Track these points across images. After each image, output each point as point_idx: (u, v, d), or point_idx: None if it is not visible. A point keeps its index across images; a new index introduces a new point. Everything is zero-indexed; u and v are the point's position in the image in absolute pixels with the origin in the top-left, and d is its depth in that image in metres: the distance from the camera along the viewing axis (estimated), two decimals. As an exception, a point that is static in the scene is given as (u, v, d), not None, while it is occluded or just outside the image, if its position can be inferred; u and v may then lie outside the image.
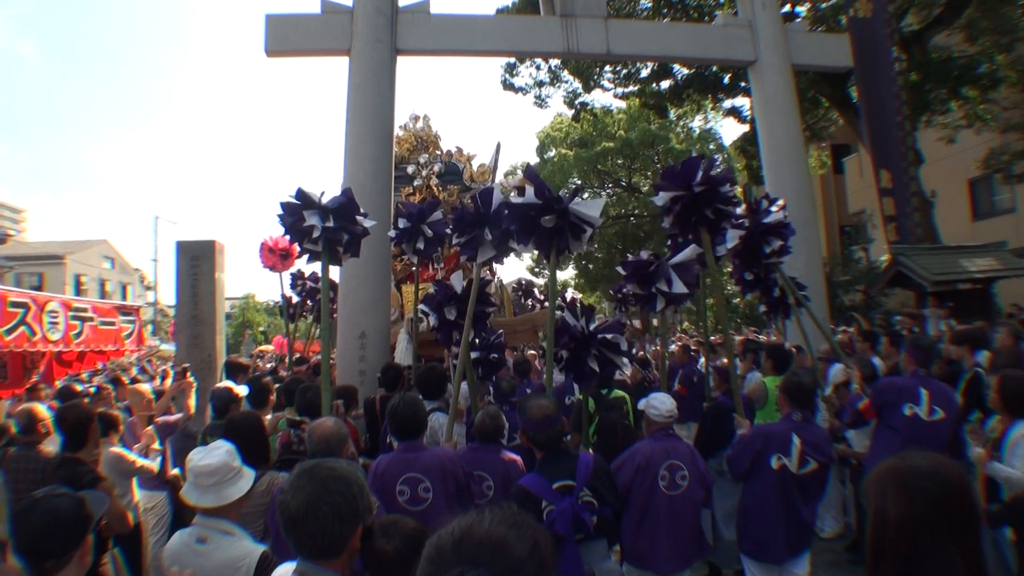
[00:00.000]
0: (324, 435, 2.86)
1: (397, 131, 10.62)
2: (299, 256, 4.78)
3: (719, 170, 4.49)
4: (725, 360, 7.80)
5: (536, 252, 4.39)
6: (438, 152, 11.45)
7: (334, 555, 1.67)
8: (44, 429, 3.93)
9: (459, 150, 11.32)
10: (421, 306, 5.55)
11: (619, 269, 5.06)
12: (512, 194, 4.12)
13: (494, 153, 11.36)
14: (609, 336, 4.16)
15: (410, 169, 10.85)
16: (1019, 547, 3.30)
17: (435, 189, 10.72)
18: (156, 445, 5.20)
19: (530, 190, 3.93)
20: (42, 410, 4.04)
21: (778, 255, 5.53)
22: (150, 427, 5.31)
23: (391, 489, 3.19)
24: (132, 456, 4.64)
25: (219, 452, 2.51)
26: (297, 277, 9.32)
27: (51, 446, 3.97)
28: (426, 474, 3.24)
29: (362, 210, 4.62)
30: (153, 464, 4.93)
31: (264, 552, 2.32)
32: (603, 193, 32.19)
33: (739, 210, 4.76)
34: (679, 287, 4.65)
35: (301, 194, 4.41)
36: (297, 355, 9.63)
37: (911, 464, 1.48)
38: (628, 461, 3.55)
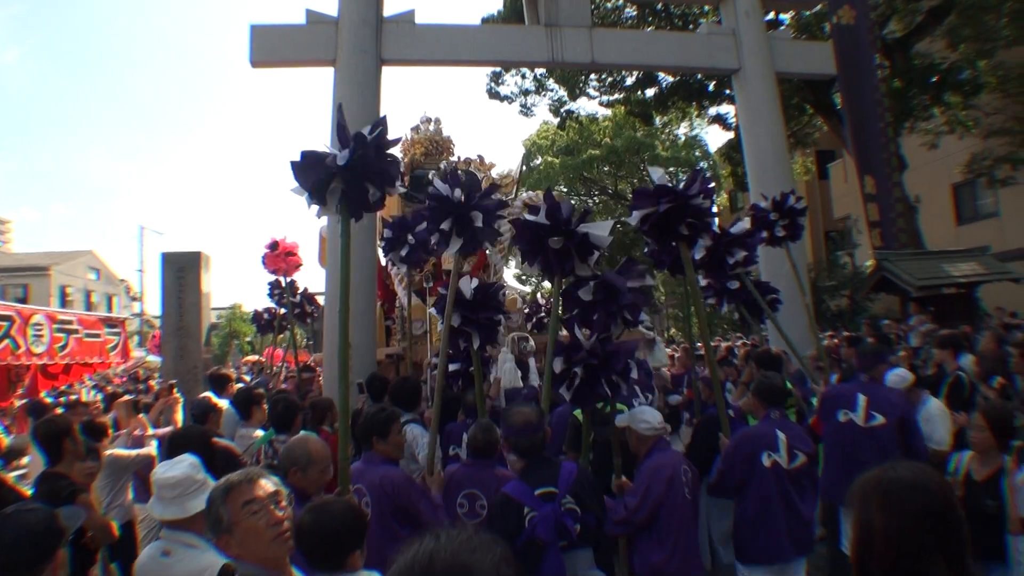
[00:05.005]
0: (304, 450, 2.88)
1: (409, 134, 10.45)
2: (310, 207, 3.27)
3: (695, 187, 4.23)
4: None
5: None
6: (453, 159, 11.07)
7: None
8: None
9: (480, 159, 10.46)
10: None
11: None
12: (524, 213, 3.95)
13: (520, 163, 11.03)
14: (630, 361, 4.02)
15: (431, 175, 10.46)
16: None
17: None
18: (150, 431, 5.17)
19: (543, 211, 3.79)
20: None
21: (743, 265, 5.51)
22: (142, 415, 5.29)
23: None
24: (125, 452, 4.61)
25: (182, 465, 2.50)
26: (275, 286, 8.78)
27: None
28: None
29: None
30: (151, 450, 4.89)
31: (226, 564, 2.29)
32: (590, 201, 32.29)
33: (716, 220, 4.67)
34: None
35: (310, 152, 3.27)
36: (303, 363, 9.41)
37: (895, 476, 1.47)
38: (656, 477, 3.47)
